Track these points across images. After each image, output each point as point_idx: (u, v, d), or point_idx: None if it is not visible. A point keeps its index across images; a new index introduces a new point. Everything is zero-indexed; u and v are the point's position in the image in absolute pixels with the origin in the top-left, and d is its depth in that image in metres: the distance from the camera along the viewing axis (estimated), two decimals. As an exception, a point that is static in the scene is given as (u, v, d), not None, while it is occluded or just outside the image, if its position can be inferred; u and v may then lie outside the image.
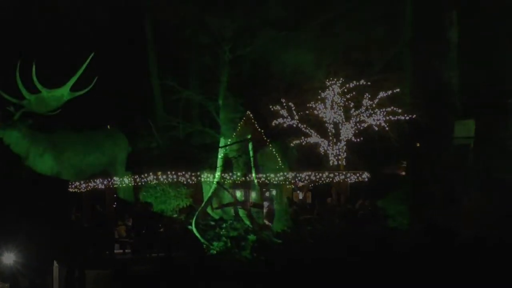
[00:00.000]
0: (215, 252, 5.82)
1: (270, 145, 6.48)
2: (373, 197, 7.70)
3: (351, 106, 9.09)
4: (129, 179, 9.68)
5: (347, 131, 8.98)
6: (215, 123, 10.25)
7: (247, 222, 6.21)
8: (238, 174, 6.17)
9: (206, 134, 10.09)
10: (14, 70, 7.18)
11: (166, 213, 8.43)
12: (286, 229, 6.74)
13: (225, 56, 9.17)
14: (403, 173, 12.92)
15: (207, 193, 7.64)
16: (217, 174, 6.32)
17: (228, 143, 6.18)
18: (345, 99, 8.97)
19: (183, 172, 8.35)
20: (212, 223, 7.67)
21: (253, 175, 6.06)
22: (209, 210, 7.75)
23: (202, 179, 7.75)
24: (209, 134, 10.17)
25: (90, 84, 8.04)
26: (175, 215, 8.41)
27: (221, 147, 5.83)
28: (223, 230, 7.15)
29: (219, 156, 6.28)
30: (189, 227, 7.38)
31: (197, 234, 5.82)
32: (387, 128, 8.86)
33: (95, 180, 8.18)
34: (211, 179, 7.61)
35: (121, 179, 9.40)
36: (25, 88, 7.25)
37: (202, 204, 7.04)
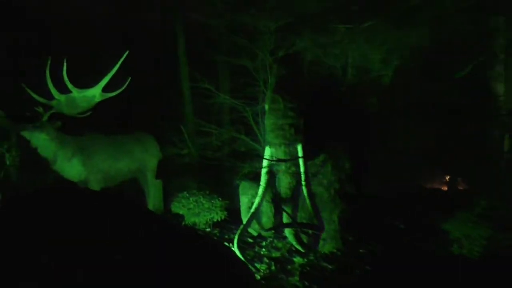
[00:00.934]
0: (259, 277, 5.11)
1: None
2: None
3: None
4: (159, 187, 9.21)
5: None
6: (251, 130, 9.66)
7: (293, 242, 5.49)
8: (287, 188, 5.44)
9: (242, 141, 9.49)
10: (44, 69, 6.71)
11: (199, 226, 7.82)
12: (336, 251, 6.00)
13: (266, 58, 8.60)
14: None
15: (245, 206, 6.95)
16: (262, 186, 5.60)
17: (275, 152, 5.42)
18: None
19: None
20: (250, 240, 7.00)
21: (304, 190, 5.33)
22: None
23: (240, 191, 7.09)
24: (244, 141, 9.58)
25: (123, 85, 7.58)
26: (208, 229, 7.79)
27: (270, 160, 5.11)
28: (263, 249, 6.47)
29: (264, 167, 5.57)
30: (226, 244, 6.73)
31: (240, 256, 5.12)
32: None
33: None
34: (249, 190, 6.94)
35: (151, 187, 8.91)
36: (55, 88, 6.74)
37: (245, 221, 6.37)
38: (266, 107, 5.53)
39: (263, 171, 5.60)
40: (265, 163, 5.59)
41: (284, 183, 5.47)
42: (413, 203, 8.99)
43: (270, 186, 7.27)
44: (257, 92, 9.63)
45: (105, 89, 7.25)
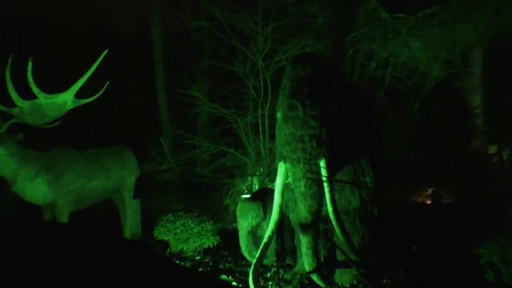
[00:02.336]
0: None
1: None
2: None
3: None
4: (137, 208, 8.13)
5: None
6: (240, 143, 8.75)
7: (314, 277, 4.56)
8: (307, 212, 4.53)
9: (231, 155, 8.55)
10: (3, 70, 5.57)
11: (186, 254, 6.78)
12: (357, 282, 5.14)
13: (258, 63, 7.76)
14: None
15: (245, 231, 6.01)
16: (276, 210, 4.68)
17: (291, 169, 4.54)
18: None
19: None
20: (249, 269, 6.03)
21: (331, 215, 4.46)
22: (245, 252, 6.10)
23: (238, 214, 6.14)
24: (235, 156, 8.65)
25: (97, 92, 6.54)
26: (197, 257, 6.76)
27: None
28: (270, 282, 5.52)
29: (278, 185, 4.66)
30: (225, 277, 5.74)
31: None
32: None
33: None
34: (249, 212, 6.02)
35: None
36: (16, 93, 5.60)
37: (245, 249, 5.43)
38: (279, 115, 4.64)
39: (277, 190, 4.67)
40: (278, 181, 4.67)
41: (303, 207, 4.56)
42: (418, 219, 8.33)
43: (270, 206, 6.42)
44: (247, 101, 8.78)
45: (77, 95, 6.18)
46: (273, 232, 4.63)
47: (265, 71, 7.87)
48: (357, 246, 4.99)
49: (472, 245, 5.86)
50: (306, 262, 4.55)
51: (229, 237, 7.30)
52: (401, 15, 5.93)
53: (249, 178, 9.88)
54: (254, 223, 6.05)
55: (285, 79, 4.77)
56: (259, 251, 4.59)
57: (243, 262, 6.42)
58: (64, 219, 6.81)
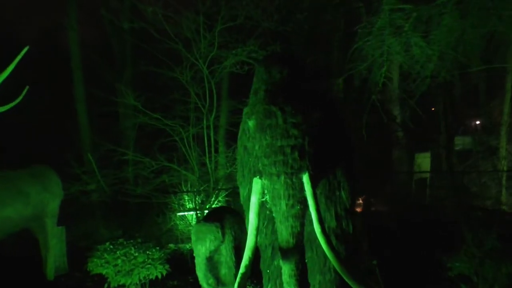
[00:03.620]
0: None
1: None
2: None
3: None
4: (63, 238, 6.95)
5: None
6: (182, 157, 7.94)
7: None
8: (288, 234, 3.93)
9: (174, 171, 7.66)
10: None
11: (129, 287, 5.80)
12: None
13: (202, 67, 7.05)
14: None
15: (202, 257, 5.27)
16: (252, 234, 4.02)
17: (269, 185, 3.94)
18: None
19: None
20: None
21: (320, 237, 3.93)
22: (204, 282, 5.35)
23: (194, 238, 5.35)
24: (177, 172, 7.78)
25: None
26: (143, 291, 5.81)
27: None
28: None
29: (254, 204, 4.03)
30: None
31: None
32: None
33: None
34: (206, 235, 5.30)
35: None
36: None
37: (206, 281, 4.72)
38: (251, 123, 4.03)
39: (253, 211, 4.02)
40: (254, 200, 4.03)
41: (284, 228, 3.96)
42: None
43: (231, 228, 5.73)
44: (188, 111, 8.01)
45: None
46: (250, 260, 3.95)
47: (210, 78, 7.20)
48: (332, 267, 4.52)
49: (439, 257, 5.73)
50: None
51: (172, 261, 6.40)
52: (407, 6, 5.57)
53: (185, 196, 9.07)
54: (212, 248, 5.32)
55: (257, 83, 4.18)
56: (236, 283, 3.87)
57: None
58: (-31, 257, 5.46)
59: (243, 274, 3.90)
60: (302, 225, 4.05)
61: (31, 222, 6.43)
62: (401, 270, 6.03)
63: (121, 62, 9.87)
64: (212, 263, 5.48)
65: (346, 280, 3.84)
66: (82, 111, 10.63)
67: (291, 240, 3.97)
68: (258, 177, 4.04)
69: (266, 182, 3.99)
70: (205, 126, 7.31)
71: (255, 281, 5.91)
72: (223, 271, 5.57)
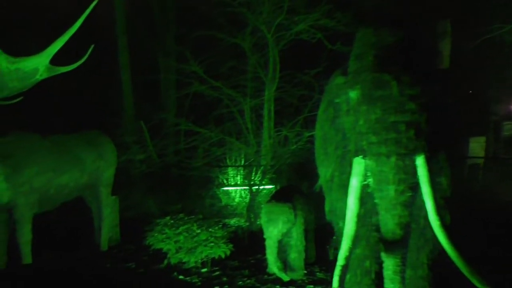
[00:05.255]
0: None
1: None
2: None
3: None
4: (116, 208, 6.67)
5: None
6: (238, 130, 7.47)
7: None
8: (395, 224, 3.43)
9: (230, 145, 7.22)
10: None
11: (187, 265, 5.45)
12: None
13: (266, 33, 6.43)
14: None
15: (274, 240, 4.85)
16: (352, 218, 3.53)
17: (376, 167, 3.41)
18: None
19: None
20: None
21: (437, 230, 3.40)
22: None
23: (265, 218, 4.92)
24: (229, 143, 7.32)
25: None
26: (203, 270, 5.45)
27: None
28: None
29: (355, 188, 3.52)
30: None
31: None
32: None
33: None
34: (279, 216, 4.86)
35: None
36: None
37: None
38: (354, 94, 3.48)
39: (354, 195, 3.51)
40: (355, 182, 3.52)
41: (390, 218, 3.46)
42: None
43: (302, 209, 5.26)
44: (245, 81, 7.47)
45: (53, 61, 4.55)
46: (350, 251, 3.48)
47: (274, 46, 6.60)
48: (426, 261, 4.01)
49: None
50: (391, 290, 3.47)
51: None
52: None
53: (229, 169, 8.65)
54: (284, 230, 4.89)
55: (361, 47, 3.60)
56: (336, 277, 3.41)
57: (266, 277, 5.24)
58: (26, 223, 5.20)
59: (343, 267, 3.43)
60: (410, 215, 3.54)
61: (85, 191, 6.13)
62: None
63: (175, 28, 9.36)
64: (281, 246, 5.06)
65: (470, 278, 3.31)
66: (126, 79, 10.29)
67: (397, 231, 3.49)
68: (360, 157, 3.52)
69: (371, 163, 3.47)
70: (266, 99, 6.76)
71: (324, 268, 5.46)
72: (293, 255, 5.16)
